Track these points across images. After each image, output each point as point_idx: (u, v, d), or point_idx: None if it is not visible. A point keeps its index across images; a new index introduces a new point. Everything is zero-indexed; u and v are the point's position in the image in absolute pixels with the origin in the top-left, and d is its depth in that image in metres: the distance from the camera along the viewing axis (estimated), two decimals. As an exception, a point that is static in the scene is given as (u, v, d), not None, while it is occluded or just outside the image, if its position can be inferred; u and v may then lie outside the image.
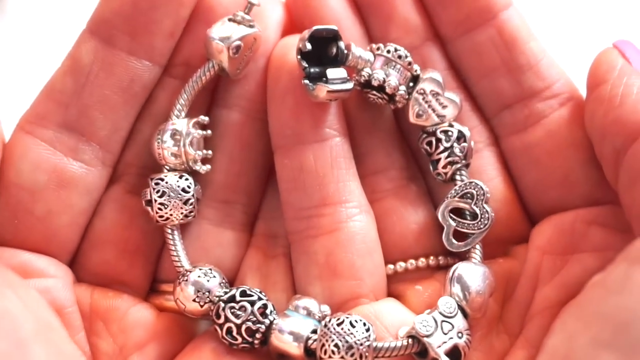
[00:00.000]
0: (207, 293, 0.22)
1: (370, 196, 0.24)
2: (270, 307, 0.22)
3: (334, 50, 0.23)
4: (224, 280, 0.23)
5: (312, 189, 0.23)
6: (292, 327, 0.22)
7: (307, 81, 0.22)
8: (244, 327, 0.22)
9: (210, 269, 0.23)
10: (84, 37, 0.23)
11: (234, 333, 0.22)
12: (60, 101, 0.23)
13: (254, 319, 0.22)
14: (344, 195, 0.23)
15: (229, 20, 0.23)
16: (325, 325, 0.21)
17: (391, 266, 0.24)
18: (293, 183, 0.24)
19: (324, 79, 0.22)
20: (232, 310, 0.22)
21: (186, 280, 0.23)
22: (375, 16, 0.24)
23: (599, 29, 0.36)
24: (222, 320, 0.22)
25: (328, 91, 0.22)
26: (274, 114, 0.24)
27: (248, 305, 0.22)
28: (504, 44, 0.24)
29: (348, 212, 0.23)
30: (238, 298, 0.22)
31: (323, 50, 0.23)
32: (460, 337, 0.22)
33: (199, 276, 0.23)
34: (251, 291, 0.22)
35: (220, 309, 0.22)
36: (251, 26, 0.23)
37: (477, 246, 0.24)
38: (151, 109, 0.24)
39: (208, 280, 0.23)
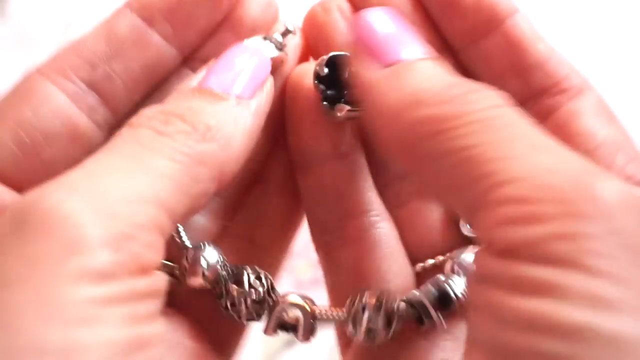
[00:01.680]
0: (211, 268, 0.22)
1: (396, 200, 0.25)
2: (273, 284, 0.22)
3: (347, 73, 0.24)
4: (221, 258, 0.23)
5: (334, 204, 0.24)
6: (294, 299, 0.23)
7: (325, 103, 0.24)
8: (249, 301, 0.22)
9: (211, 245, 0.23)
10: (124, 11, 0.24)
11: (241, 307, 0.22)
12: (90, 61, 0.23)
13: (260, 295, 0.22)
14: (365, 206, 0.24)
15: (264, 38, 0.24)
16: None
17: (420, 264, 0.25)
18: (316, 200, 0.25)
19: (342, 100, 0.24)
20: (238, 287, 0.22)
21: (197, 256, 0.22)
22: None
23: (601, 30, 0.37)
24: (228, 295, 0.22)
25: (348, 110, 0.23)
26: (293, 136, 0.25)
27: (255, 283, 0.23)
28: (511, 48, 0.24)
29: (370, 220, 0.24)
30: (245, 275, 0.22)
31: (337, 73, 0.24)
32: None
33: (206, 252, 0.22)
34: (257, 269, 0.23)
35: (229, 285, 0.22)
36: (281, 49, 0.24)
37: None
38: (163, 93, 0.24)
39: (212, 257, 0.22)
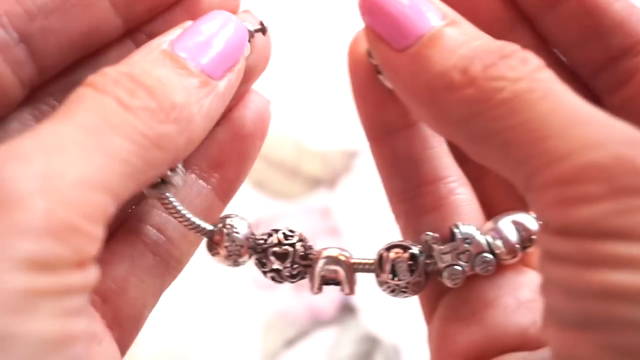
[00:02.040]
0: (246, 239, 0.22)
1: (476, 171, 0.25)
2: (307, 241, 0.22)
3: None
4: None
5: (410, 172, 0.24)
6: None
7: (380, 76, 0.23)
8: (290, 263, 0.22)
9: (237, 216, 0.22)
10: None
11: (284, 270, 0.22)
12: (29, 10, 0.21)
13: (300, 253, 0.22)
14: (442, 172, 0.24)
15: None
16: None
17: None
18: (391, 169, 0.24)
19: None
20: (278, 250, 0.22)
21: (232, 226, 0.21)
22: (459, 12, 0.23)
23: None
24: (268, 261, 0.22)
25: None
26: (361, 109, 0.24)
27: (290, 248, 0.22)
28: (586, 12, 0.24)
29: (448, 187, 0.24)
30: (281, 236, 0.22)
31: None
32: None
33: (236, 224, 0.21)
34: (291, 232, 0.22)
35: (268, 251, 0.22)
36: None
37: None
38: (99, 61, 0.22)
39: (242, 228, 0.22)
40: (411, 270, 0.22)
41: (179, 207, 0.21)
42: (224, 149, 0.23)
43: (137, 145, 0.17)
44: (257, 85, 0.40)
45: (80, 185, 0.16)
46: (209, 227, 0.21)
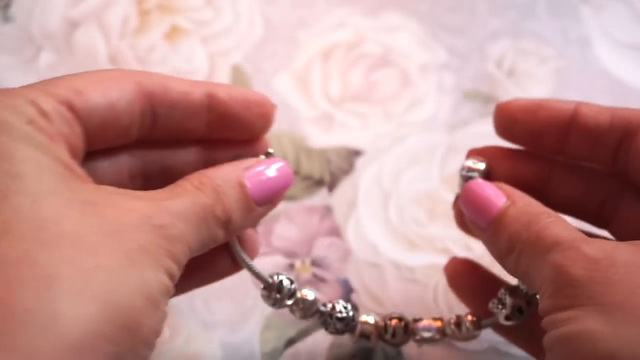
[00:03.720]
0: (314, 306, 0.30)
1: None
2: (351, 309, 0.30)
3: None
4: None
5: None
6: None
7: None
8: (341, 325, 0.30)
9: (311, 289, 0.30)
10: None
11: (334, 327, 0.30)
12: (169, 98, 0.26)
13: (349, 318, 0.30)
14: None
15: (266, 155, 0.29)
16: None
17: None
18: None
19: None
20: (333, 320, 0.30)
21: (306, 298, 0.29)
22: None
23: None
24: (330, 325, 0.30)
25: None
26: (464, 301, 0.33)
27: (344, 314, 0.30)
28: None
29: None
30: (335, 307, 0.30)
31: None
32: None
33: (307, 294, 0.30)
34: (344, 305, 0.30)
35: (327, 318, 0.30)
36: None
37: None
38: (181, 149, 0.28)
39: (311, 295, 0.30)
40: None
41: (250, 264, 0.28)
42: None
43: (208, 235, 0.24)
44: (258, 85, 0.40)
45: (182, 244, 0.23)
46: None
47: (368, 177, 0.38)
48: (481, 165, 0.29)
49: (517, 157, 0.30)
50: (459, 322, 0.30)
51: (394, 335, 0.30)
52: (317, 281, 0.34)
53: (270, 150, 0.29)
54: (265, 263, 0.35)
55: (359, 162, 0.38)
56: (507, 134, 0.30)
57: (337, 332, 0.30)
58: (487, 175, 0.30)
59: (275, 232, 0.36)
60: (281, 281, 0.29)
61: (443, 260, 0.33)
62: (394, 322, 0.30)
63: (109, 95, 0.24)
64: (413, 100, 0.41)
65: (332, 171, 0.38)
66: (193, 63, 0.41)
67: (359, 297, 0.34)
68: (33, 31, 0.41)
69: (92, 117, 0.24)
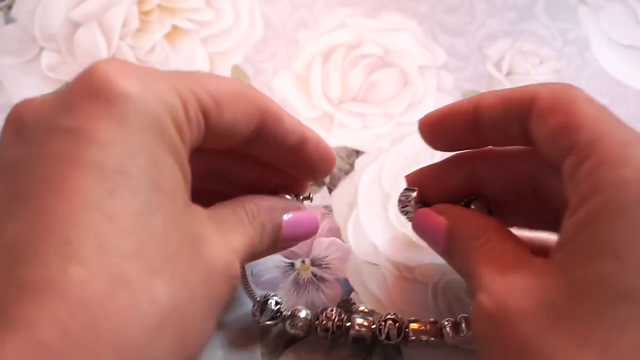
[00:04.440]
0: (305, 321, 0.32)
1: None
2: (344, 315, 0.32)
3: None
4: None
5: None
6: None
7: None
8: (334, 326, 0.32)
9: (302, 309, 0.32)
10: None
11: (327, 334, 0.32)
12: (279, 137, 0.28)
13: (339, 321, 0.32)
14: None
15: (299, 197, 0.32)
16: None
17: None
18: None
19: None
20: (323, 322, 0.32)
21: (296, 313, 0.32)
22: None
23: None
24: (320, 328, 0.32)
25: None
26: None
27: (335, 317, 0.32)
28: None
29: None
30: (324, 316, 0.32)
31: None
32: None
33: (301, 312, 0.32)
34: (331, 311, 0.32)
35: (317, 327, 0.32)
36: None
37: None
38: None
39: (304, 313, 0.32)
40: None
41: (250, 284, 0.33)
42: None
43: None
44: (258, 85, 0.40)
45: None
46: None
47: (368, 177, 0.38)
48: (412, 194, 0.31)
49: (443, 170, 0.31)
50: (455, 324, 0.30)
51: (388, 337, 0.31)
52: (317, 281, 0.35)
53: (311, 196, 0.32)
54: (265, 263, 0.35)
55: (359, 162, 0.38)
56: (436, 145, 0.30)
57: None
58: (422, 199, 0.31)
59: (275, 232, 0.36)
60: (266, 301, 0.31)
61: (442, 260, 0.33)
62: (388, 323, 0.31)
63: (237, 116, 0.25)
64: (412, 101, 0.41)
65: (332, 171, 0.38)
66: (194, 63, 0.41)
67: (358, 297, 0.34)
68: (35, 32, 0.41)
69: (215, 130, 0.24)
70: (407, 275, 0.35)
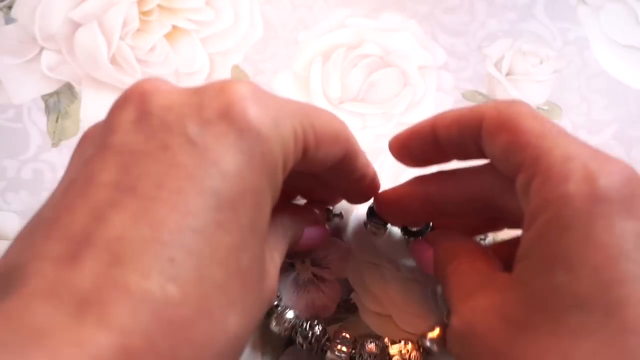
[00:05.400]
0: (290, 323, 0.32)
1: None
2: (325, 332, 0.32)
3: None
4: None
5: None
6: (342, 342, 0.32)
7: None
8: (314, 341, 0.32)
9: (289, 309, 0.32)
10: None
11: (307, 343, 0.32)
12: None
13: (320, 338, 0.32)
14: None
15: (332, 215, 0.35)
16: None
17: None
18: None
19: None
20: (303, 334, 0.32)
21: (283, 312, 0.32)
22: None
23: None
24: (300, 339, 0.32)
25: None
26: None
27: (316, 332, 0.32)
28: None
29: None
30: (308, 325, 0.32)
31: None
32: None
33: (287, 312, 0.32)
34: (313, 323, 0.32)
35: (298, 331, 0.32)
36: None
37: None
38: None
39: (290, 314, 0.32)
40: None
41: None
42: None
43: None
44: (258, 82, 0.40)
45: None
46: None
47: (368, 177, 0.38)
48: (380, 230, 0.34)
49: (402, 195, 0.32)
50: (437, 339, 0.30)
51: None
52: (317, 281, 0.35)
53: (342, 213, 0.35)
54: (265, 263, 0.35)
55: (359, 163, 0.39)
56: (405, 163, 0.31)
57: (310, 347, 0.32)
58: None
59: (275, 232, 0.36)
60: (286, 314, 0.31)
61: (442, 260, 0.33)
62: (368, 347, 0.31)
63: (328, 155, 0.25)
64: (412, 101, 0.41)
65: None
66: (194, 63, 0.41)
67: (359, 297, 0.34)
68: (35, 32, 0.41)
69: (304, 162, 0.25)
70: (407, 275, 0.35)
